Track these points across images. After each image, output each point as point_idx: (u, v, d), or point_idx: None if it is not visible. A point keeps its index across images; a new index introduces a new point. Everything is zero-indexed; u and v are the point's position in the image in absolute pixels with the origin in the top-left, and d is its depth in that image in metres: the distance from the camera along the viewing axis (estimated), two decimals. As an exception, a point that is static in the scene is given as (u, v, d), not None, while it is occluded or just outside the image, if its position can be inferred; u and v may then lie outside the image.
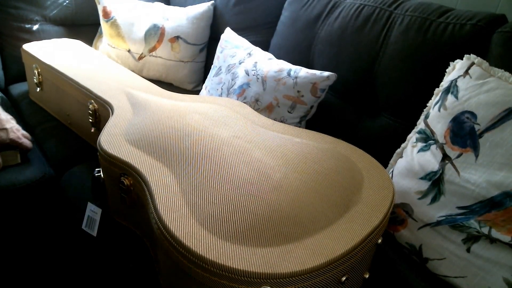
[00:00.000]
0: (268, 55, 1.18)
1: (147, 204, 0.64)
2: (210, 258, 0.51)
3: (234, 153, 0.71)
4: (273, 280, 0.49)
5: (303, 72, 1.06)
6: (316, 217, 0.59)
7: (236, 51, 1.22)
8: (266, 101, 1.10)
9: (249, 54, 1.19)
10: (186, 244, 0.52)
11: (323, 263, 0.51)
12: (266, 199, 0.61)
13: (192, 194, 0.62)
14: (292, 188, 0.64)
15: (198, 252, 0.51)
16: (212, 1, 1.48)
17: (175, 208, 0.59)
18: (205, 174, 0.66)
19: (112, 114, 0.87)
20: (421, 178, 0.78)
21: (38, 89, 1.22)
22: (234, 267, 0.49)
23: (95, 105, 0.95)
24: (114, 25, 1.48)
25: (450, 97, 0.77)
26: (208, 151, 0.71)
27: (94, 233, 0.85)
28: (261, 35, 1.39)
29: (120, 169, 0.71)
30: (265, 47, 1.34)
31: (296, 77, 1.06)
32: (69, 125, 1.17)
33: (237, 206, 0.59)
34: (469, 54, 0.79)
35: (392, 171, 0.87)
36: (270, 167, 0.68)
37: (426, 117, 0.83)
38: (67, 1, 1.56)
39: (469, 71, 0.77)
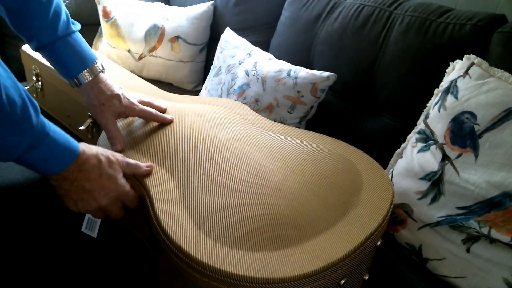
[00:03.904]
0: (268, 55, 1.18)
1: (146, 207, 0.64)
2: (209, 263, 0.51)
3: (233, 155, 0.71)
4: (272, 285, 0.49)
5: (303, 72, 1.06)
6: (315, 220, 0.59)
7: (236, 52, 1.22)
8: (266, 102, 1.10)
9: (249, 54, 1.18)
10: (185, 249, 0.52)
11: (322, 267, 0.51)
12: (265, 203, 0.61)
13: (191, 198, 0.62)
14: (291, 191, 0.64)
15: (197, 257, 0.51)
16: (212, 1, 1.48)
17: (174, 212, 0.59)
18: (204, 177, 0.66)
19: (111, 116, 0.87)
20: (421, 179, 0.78)
21: (38, 90, 1.22)
22: (232, 272, 0.49)
23: (95, 106, 0.95)
24: (114, 25, 1.48)
25: (450, 98, 0.77)
26: (208, 154, 0.71)
27: (95, 235, 0.85)
28: (261, 35, 1.39)
29: (120, 172, 0.71)
30: (265, 47, 1.33)
31: (296, 78, 1.06)
32: (69, 126, 1.17)
33: (236, 210, 0.60)
34: (469, 54, 0.79)
35: (392, 171, 0.87)
36: (270, 170, 0.68)
37: (426, 117, 0.82)
38: (67, 1, 1.56)
39: (469, 71, 0.77)
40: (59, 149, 0.57)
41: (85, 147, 0.61)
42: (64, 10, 0.75)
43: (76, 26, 0.77)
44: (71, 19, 0.76)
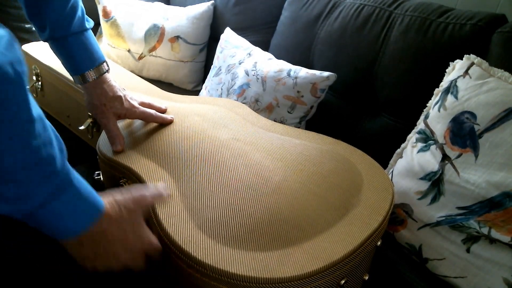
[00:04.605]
0: (268, 55, 1.18)
1: (146, 207, 0.64)
2: (209, 263, 0.51)
3: (233, 156, 0.71)
4: (272, 285, 0.49)
5: (303, 72, 1.06)
6: (315, 220, 0.59)
7: (236, 51, 1.22)
8: (266, 102, 1.10)
9: (249, 54, 1.18)
10: (185, 249, 0.52)
11: (322, 267, 0.51)
12: (265, 202, 0.61)
13: (191, 198, 0.62)
14: (291, 191, 0.64)
15: (197, 257, 0.51)
16: (212, 1, 1.48)
17: (174, 213, 0.59)
18: (204, 177, 0.66)
19: (111, 116, 0.87)
20: (421, 179, 0.78)
21: (38, 90, 1.22)
22: (232, 271, 0.49)
23: (95, 106, 0.95)
24: (114, 25, 1.48)
25: (450, 97, 0.77)
26: (208, 154, 0.72)
27: None
28: (261, 35, 1.39)
29: (120, 172, 0.71)
30: (265, 47, 1.33)
31: (296, 77, 1.06)
32: (69, 126, 1.17)
33: (236, 210, 0.60)
34: (469, 54, 0.79)
35: (392, 171, 0.87)
36: (270, 170, 0.68)
37: (426, 117, 0.82)
38: (67, 1, 1.55)
39: (469, 71, 0.77)
40: (83, 202, 0.47)
41: (107, 203, 0.50)
42: (80, 7, 0.75)
43: (90, 23, 0.77)
44: (86, 16, 0.76)
